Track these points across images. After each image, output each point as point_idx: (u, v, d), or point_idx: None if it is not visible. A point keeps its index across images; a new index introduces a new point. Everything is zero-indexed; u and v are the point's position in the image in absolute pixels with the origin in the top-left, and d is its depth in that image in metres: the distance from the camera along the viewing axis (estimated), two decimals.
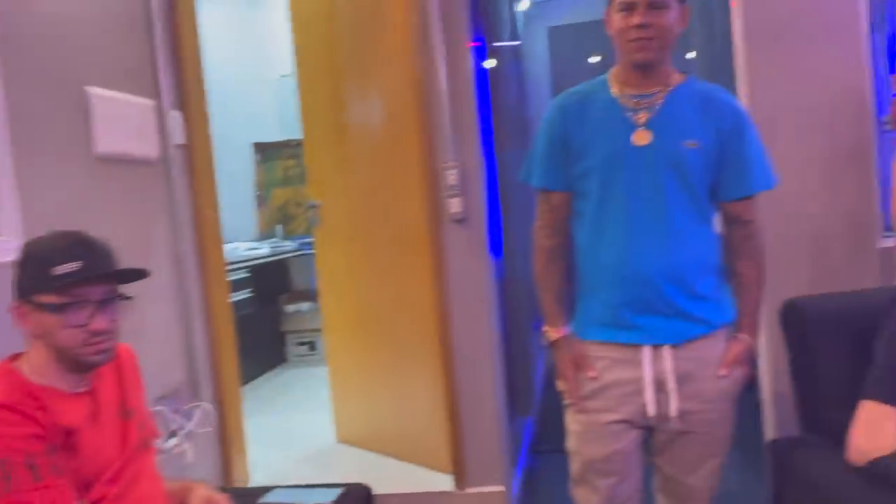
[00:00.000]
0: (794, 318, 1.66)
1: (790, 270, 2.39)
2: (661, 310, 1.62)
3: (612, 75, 1.71)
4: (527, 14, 4.72)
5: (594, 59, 4.69)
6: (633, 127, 1.64)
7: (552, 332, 1.74)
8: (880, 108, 2.43)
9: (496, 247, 2.78)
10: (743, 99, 2.41)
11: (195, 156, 2.54)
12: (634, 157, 1.62)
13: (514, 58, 4.36)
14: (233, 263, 4.07)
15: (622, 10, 1.59)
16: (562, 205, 1.74)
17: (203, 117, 2.63)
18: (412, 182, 2.61)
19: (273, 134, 5.27)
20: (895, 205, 2.06)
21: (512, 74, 3.98)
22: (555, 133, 1.72)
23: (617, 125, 1.65)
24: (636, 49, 1.59)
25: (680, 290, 1.62)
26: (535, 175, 1.76)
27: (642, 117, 1.64)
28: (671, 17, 1.59)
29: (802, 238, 2.39)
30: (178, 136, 2.48)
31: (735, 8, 2.41)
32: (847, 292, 1.76)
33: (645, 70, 1.64)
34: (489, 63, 3.30)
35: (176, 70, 2.50)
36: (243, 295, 4.33)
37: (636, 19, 1.57)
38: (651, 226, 1.62)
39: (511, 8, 4.27)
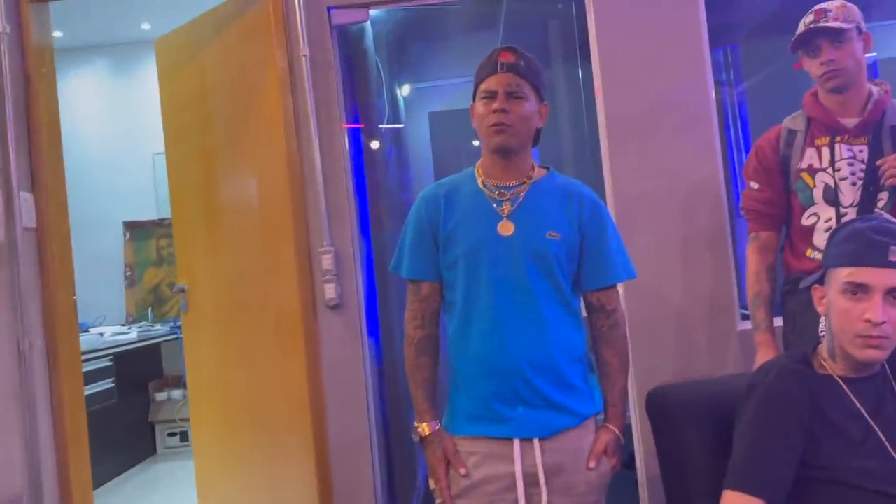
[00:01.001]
0: (659, 406, 1.69)
1: (656, 356, 2.46)
2: (530, 401, 1.61)
3: (477, 167, 1.75)
4: (408, 99, 4.84)
5: (476, 143, 4.82)
6: (498, 217, 1.66)
7: (422, 428, 1.69)
8: (736, 196, 2.59)
9: (374, 332, 2.72)
10: (607, 186, 2.52)
11: (49, 238, 2.37)
12: (499, 247, 1.64)
13: (397, 141, 4.40)
14: (93, 351, 3.78)
15: (484, 98, 1.66)
16: (431, 295, 1.74)
17: (60, 197, 2.47)
18: (286, 266, 2.53)
19: (146, 212, 5.05)
20: (749, 289, 2.16)
21: (394, 157, 4.01)
22: (422, 224, 1.73)
23: (483, 215, 1.67)
24: (495, 133, 1.64)
25: (548, 380, 1.62)
26: (405, 265, 1.75)
27: (506, 208, 1.66)
28: (529, 108, 1.65)
29: (666, 323, 2.47)
30: (28, 218, 2.30)
31: (598, 99, 2.54)
32: (711, 379, 1.81)
33: (506, 159, 1.68)
34: (373, 145, 3.32)
35: (30, 148, 2.34)
36: (105, 385, 4.01)
37: (496, 104, 1.62)
38: (517, 315, 1.62)
39: (393, 92, 4.34)
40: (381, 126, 3.48)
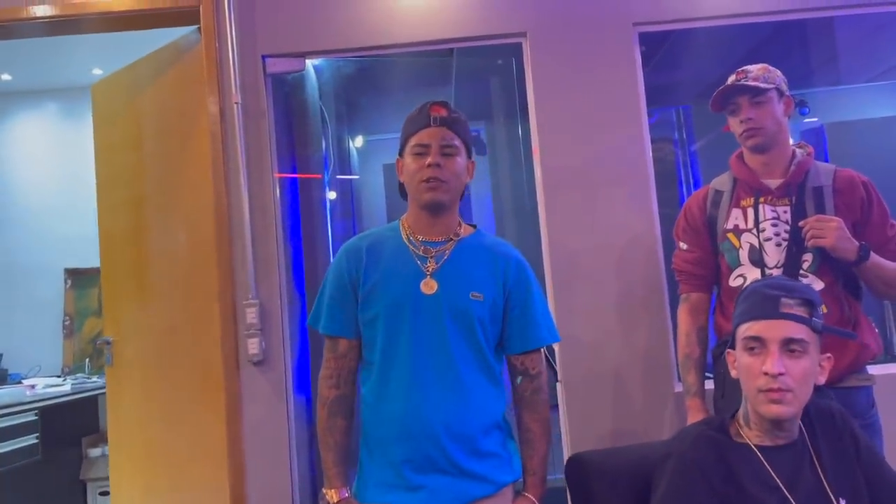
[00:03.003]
0: (577, 473, 1.61)
1: (592, 415, 2.39)
2: (444, 468, 1.52)
3: (403, 221, 1.69)
4: (362, 151, 4.84)
5: None
6: (421, 275, 1.60)
7: (330, 495, 1.60)
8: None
9: (305, 389, 2.61)
10: (544, 242, 2.48)
11: None
12: (421, 305, 1.58)
13: (347, 193, 4.37)
14: (17, 405, 3.60)
15: (415, 153, 1.61)
16: (349, 353, 1.66)
17: None
18: (210, 320, 2.43)
19: (90, 259, 4.90)
20: (680, 351, 2.11)
21: (340, 209, 3.96)
22: (343, 277, 1.66)
23: (405, 272, 1.61)
24: (428, 189, 1.59)
25: (463, 447, 1.54)
26: (322, 320, 1.68)
27: (430, 266, 1.61)
28: (461, 164, 1.62)
29: (603, 382, 2.42)
30: None
31: (535, 156, 2.53)
32: (632, 445, 1.75)
33: (435, 214, 1.63)
34: (314, 196, 3.26)
35: None
36: (28, 441, 3.81)
37: (430, 159, 1.58)
38: (435, 378, 1.55)
39: (342, 143, 4.32)
40: (324, 177, 3.43)
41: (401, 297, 1.58)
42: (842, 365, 1.79)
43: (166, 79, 2.73)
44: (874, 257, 1.84)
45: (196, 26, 2.56)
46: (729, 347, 1.49)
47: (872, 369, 1.92)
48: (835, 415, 1.45)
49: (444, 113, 1.60)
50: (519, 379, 1.65)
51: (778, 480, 1.38)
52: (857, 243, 1.82)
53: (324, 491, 1.62)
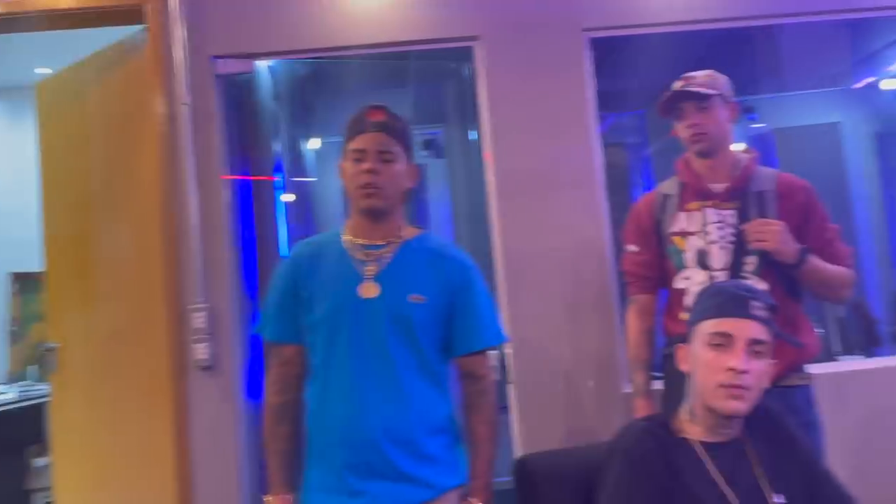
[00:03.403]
0: (524, 475, 1.62)
1: (543, 417, 2.41)
2: (385, 473, 1.52)
3: (346, 225, 1.68)
4: (320, 153, 4.81)
5: None
6: (361, 278, 1.59)
7: (270, 501, 1.57)
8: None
9: (257, 395, 2.57)
10: (496, 245, 2.50)
11: None
12: (360, 310, 1.57)
13: (304, 195, 4.33)
14: None
15: (353, 158, 1.60)
16: (293, 359, 1.66)
17: None
18: (157, 324, 2.38)
19: (36, 264, 4.76)
20: (629, 353, 2.14)
21: (295, 212, 3.91)
22: (286, 283, 1.66)
23: (346, 276, 1.61)
24: (364, 195, 1.59)
25: (405, 452, 1.54)
26: (267, 327, 1.67)
27: (371, 269, 1.60)
28: (400, 169, 1.61)
29: (554, 384, 2.44)
30: None
31: (488, 160, 2.54)
32: (579, 446, 1.77)
33: (375, 219, 1.62)
34: (269, 198, 3.23)
35: None
36: None
37: (366, 165, 1.57)
38: (376, 383, 1.55)
39: (298, 145, 4.28)
40: (278, 180, 3.40)
41: (340, 302, 1.57)
42: (782, 364, 1.83)
43: (113, 78, 2.67)
44: (813, 260, 1.89)
45: (143, 25, 2.51)
46: (682, 342, 1.51)
47: (811, 368, 1.96)
48: (772, 413, 1.48)
49: (381, 118, 1.59)
50: (465, 381, 1.65)
51: (719, 476, 1.41)
52: (797, 246, 1.87)
53: (266, 498, 1.60)
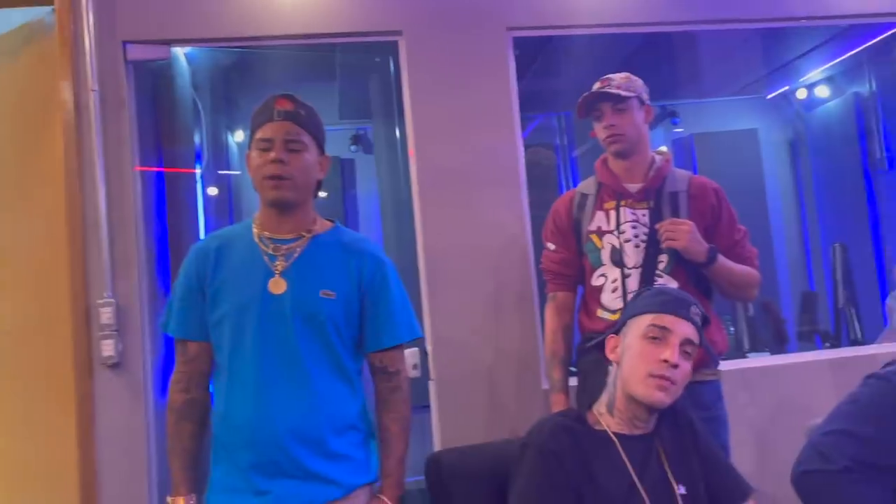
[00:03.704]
0: (435, 472, 1.61)
1: (464, 414, 2.41)
2: (291, 472, 1.49)
3: (255, 218, 1.63)
4: (243, 146, 4.71)
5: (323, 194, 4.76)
6: (270, 274, 1.55)
7: (175, 503, 1.52)
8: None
9: (166, 394, 2.48)
10: (419, 241, 2.48)
11: None
12: (268, 305, 1.53)
13: (225, 188, 4.21)
14: None
15: (260, 148, 1.56)
16: (199, 356, 1.61)
17: None
18: (61, 320, 2.27)
19: None
20: (547, 349, 2.16)
21: (215, 205, 3.81)
22: (191, 278, 1.60)
23: (254, 271, 1.56)
24: (271, 187, 1.54)
25: (313, 450, 1.50)
26: (172, 324, 1.61)
27: (280, 264, 1.56)
28: (309, 159, 1.57)
29: (475, 381, 2.44)
30: None
31: (412, 157, 2.52)
32: (491, 442, 1.77)
33: (283, 211, 1.58)
34: (187, 191, 3.13)
35: None
36: None
37: (272, 155, 1.52)
38: (283, 380, 1.51)
39: (220, 137, 4.17)
40: (198, 172, 3.30)
41: (247, 298, 1.53)
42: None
43: (18, 63, 2.53)
44: (722, 259, 1.94)
45: (51, 7, 2.39)
46: (614, 333, 1.55)
47: (721, 365, 2.02)
48: (677, 408, 1.52)
49: (289, 107, 1.55)
50: (377, 378, 1.63)
51: (630, 467, 1.44)
52: (706, 245, 1.92)
53: (168, 498, 1.55)
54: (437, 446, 2.41)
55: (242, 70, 3.97)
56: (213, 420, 1.57)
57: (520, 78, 2.63)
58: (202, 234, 3.17)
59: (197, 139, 3.36)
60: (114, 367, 2.24)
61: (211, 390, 1.62)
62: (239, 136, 4.56)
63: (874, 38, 4.23)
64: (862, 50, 4.52)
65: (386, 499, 1.56)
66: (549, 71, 4.17)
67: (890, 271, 4.63)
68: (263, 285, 1.53)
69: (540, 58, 4.02)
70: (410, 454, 1.64)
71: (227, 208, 4.16)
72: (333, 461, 1.52)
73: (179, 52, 2.92)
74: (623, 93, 1.98)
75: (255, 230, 1.60)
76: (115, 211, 2.30)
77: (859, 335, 4.24)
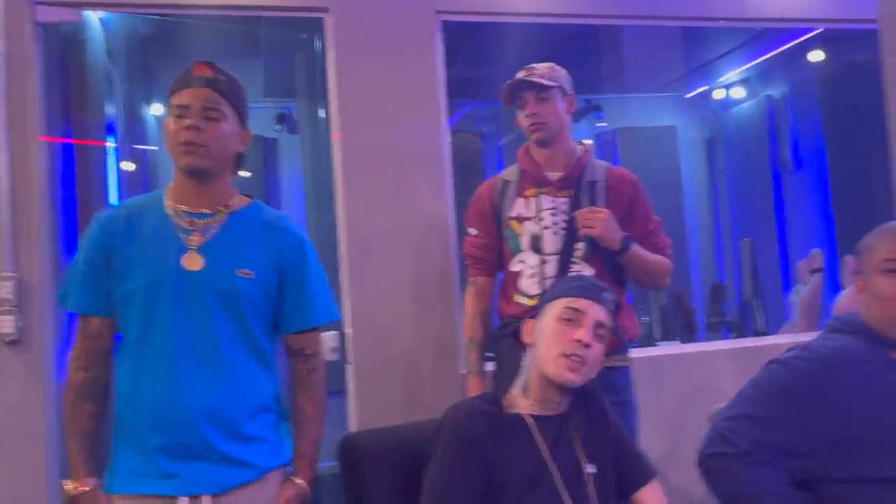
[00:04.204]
0: (349, 453, 1.60)
1: (384, 397, 2.40)
2: (202, 454, 1.44)
3: (168, 189, 1.57)
4: (161, 119, 4.54)
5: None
6: (184, 249, 1.49)
7: (72, 486, 1.46)
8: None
9: None
10: (340, 224, 2.45)
11: None
12: (182, 282, 1.47)
13: (142, 161, 4.06)
14: None
15: (176, 114, 1.49)
16: (101, 333, 1.53)
17: None
18: None
19: None
20: (465, 333, 2.18)
21: (128, 178, 3.67)
22: (95, 250, 1.52)
23: (166, 245, 1.50)
24: (185, 152, 1.48)
25: (225, 431, 1.46)
26: (72, 297, 1.53)
27: (196, 240, 1.50)
28: (227, 129, 1.52)
29: (396, 365, 2.43)
30: None
31: (335, 138, 2.48)
32: (405, 424, 1.77)
33: (199, 183, 1.52)
34: (99, 164, 2.99)
35: None
36: None
37: (188, 121, 1.47)
38: (196, 360, 1.46)
39: (137, 110, 4.01)
40: (110, 145, 3.16)
41: (159, 273, 1.47)
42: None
43: None
44: (636, 248, 2.00)
45: None
46: (531, 317, 1.58)
47: (632, 352, 2.08)
48: (590, 390, 1.56)
49: (208, 73, 1.49)
50: (294, 359, 1.61)
51: (544, 447, 1.48)
52: (621, 234, 1.97)
53: (63, 483, 1.48)
54: (353, 430, 2.40)
55: (162, 40, 3.82)
56: (116, 400, 1.51)
57: (450, 64, 2.63)
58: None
59: (111, 110, 3.21)
60: (12, 344, 2.13)
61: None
62: (157, 109, 4.39)
63: (787, 43, 4.44)
64: (776, 54, 4.73)
65: (299, 481, 1.54)
66: (480, 59, 4.19)
67: (794, 267, 4.89)
68: (177, 261, 1.48)
69: (471, 45, 4.03)
70: (325, 440, 1.62)
71: (142, 184, 4.00)
72: (246, 443, 1.48)
73: (93, 16, 2.78)
74: (546, 82, 2.00)
75: (167, 202, 1.54)
76: (18, 181, 2.18)
77: (763, 326, 4.46)
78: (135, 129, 3.93)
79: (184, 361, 1.45)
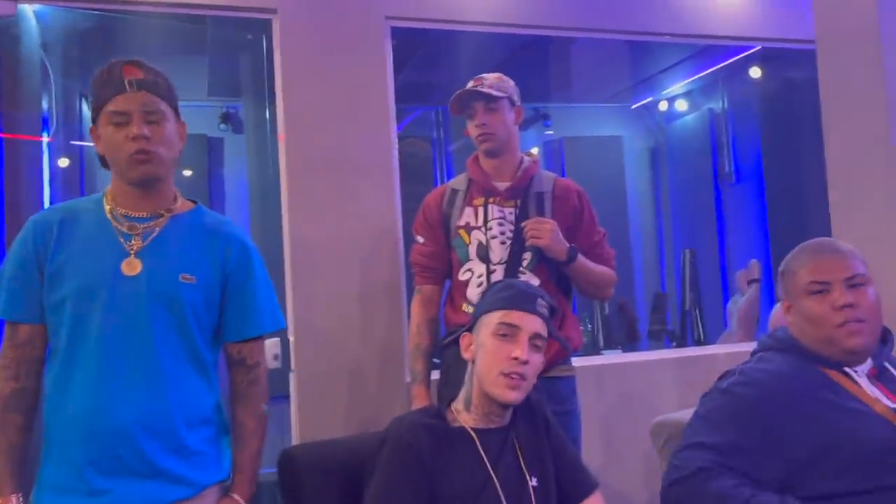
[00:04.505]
0: (288, 467, 1.56)
1: (328, 407, 2.37)
2: (136, 469, 1.38)
3: (107, 193, 1.50)
4: None
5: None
6: (123, 254, 1.43)
7: None
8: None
9: None
10: (285, 229, 2.41)
11: None
12: (120, 288, 1.41)
13: (76, 158, 3.92)
14: None
15: (115, 123, 1.41)
16: (32, 340, 1.45)
17: None
18: None
19: None
20: (411, 341, 2.16)
21: (62, 176, 3.54)
22: (27, 254, 1.44)
23: (104, 250, 1.43)
24: (139, 162, 1.41)
25: (162, 445, 1.40)
26: (0, 303, 1.44)
27: (135, 244, 1.44)
28: (170, 130, 1.46)
29: (341, 374, 2.40)
30: None
31: (281, 141, 2.44)
32: (347, 437, 1.75)
33: (145, 189, 1.46)
34: (61, 162, 2.88)
35: None
36: None
37: (134, 130, 1.40)
38: (132, 369, 1.40)
39: (75, 105, 3.87)
40: (44, 141, 3.04)
41: (95, 279, 1.40)
42: (547, 356, 1.94)
43: None
44: (582, 259, 2.02)
45: None
46: (467, 331, 1.55)
47: (575, 361, 2.10)
48: (532, 401, 1.56)
49: (140, 75, 1.42)
50: (235, 369, 1.56)
51: (486, 460, 1.46)
52: (567, 245, 1.99)
53: None
54: (295, 439, 2.36)
55: (103, 35, 3.69)
56: (44, 411, 1.44)
57: (399, 69, 2.61)
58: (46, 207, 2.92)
59: (45, 105, 3.09)
60: None
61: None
62: None
63: (728, 59, 4.56)
64: (718, 69, 4.86)
65: (238, 497, 1.49)
66: (430, 64, 4.18)
67: (733, 277, 5.02)
68: (115, 266, 1.41)
69: (420, 51, 4.02)
70: (266, 445, 1.58)
71: (78, 181, 3.86)
72: (184, 457, 1.42)
73: (28, 9, 2.66)
74: (495, 93, 2.01)
75: (106, 206, 1.48)
76: None
77: (702, 335, 4.57)
78: (70, 124, 3.78)
79: (116, 370, 1.39)
